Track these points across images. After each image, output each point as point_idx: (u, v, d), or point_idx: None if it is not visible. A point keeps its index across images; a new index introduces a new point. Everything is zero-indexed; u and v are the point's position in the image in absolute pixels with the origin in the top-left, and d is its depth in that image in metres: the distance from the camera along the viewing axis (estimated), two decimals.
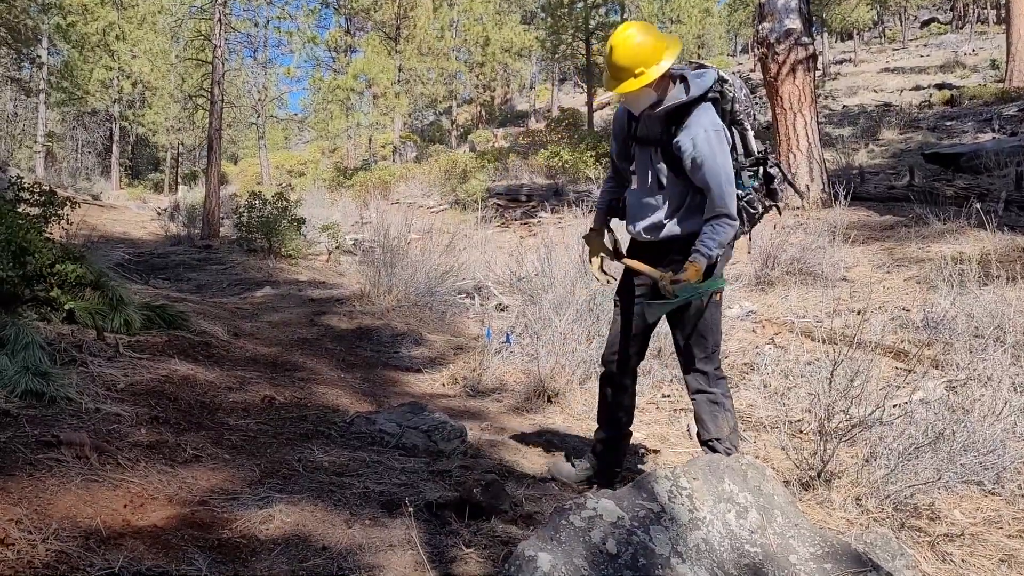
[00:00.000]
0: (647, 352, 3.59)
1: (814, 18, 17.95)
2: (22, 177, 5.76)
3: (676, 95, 3.02)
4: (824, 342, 4.73)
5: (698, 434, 3.29)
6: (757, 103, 28.09)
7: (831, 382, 3.41)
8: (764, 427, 4.20)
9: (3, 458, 2.58)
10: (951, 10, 50.04)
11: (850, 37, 43.93)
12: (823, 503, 3.19)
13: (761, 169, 3.16)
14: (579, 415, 4.74)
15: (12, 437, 2.77)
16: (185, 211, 16.70)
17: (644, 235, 3.22)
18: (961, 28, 45.31)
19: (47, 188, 5.69)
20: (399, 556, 2.41)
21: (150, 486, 2.67)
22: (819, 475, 3.29)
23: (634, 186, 3.26)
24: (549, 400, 4.90)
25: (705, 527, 2.13)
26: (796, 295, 7.28)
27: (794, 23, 11.96)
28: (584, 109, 33.63)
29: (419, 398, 4.78)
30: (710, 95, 3.02)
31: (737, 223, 3.00)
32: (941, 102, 22.83)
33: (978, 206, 8.40)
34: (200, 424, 3.57)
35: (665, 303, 3.03)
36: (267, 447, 3.43)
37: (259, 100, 32.54)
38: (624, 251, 3.40)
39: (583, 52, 32.33)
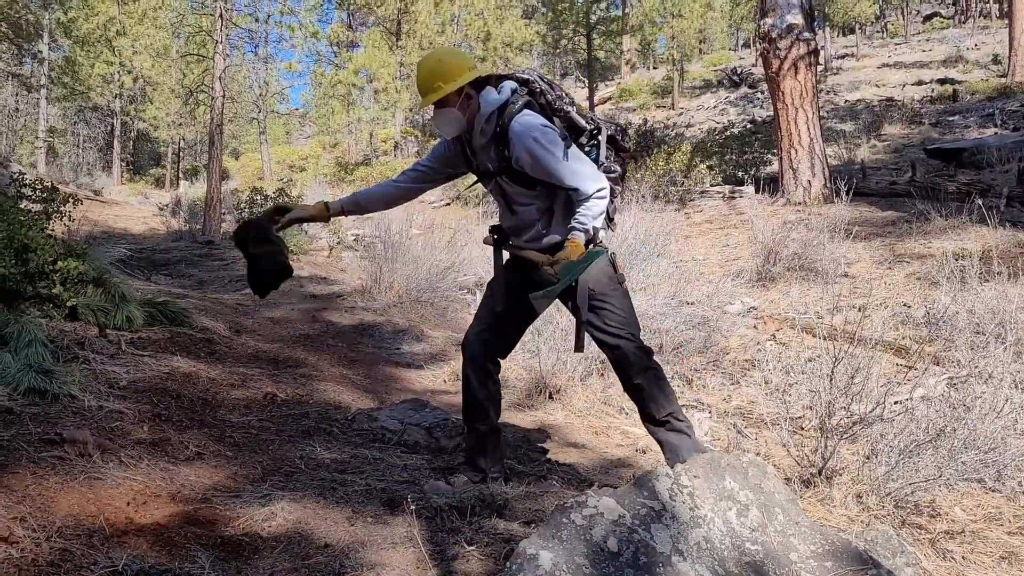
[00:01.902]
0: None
1: (816, 13, 17.91)
2: (24, 173, 5.76)
3: (481, 118, 3.04)
4: (825, 338, 4.74)
5: (649, 415, 3.14)
6: (759, 99, 28.05)
7: (832, 379, 3.42)
8: (765, 424, 4.20)
9: (6, 456, 2.59)
10: (953, 5, 49.90)
11: (852, 32, 43.79)
12: (824, 500, 3.19)
13: (601, 138, 3.17)
14: (580, 411, 4.75)
15: (15, 435, 2.78)
16: (186, 207, 16.72)
17: (528, 244, 3.20)
18: (964, 23, 45.19)
19: (49, 184, 5.70)
20: (401, 553, 2.41)
21: (153, 484, 2.68)
22: (820, 472, 3.30)
23: (503, 210, 3.26)
24: (550, 396, 4.91)
25: (706, 525, 2.13)
26: (797, 291, 7.29)
27: (796, 18, 11.94)
28: (585, 104, 33.59)
29: (420, 394, 4.79)
30: (519, 103, 3.02)
31: (605, 194, 2.97)
32: (943, 97, 22.78)
33: (980, 202, 8.39)
34: (202, 421, 3.58)
35: (550, 290, 2.99)
36: (269, 444, 3.44)
37: (260, 95, 32.56)
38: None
39: (584, 47, 32.30)
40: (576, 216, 2.98)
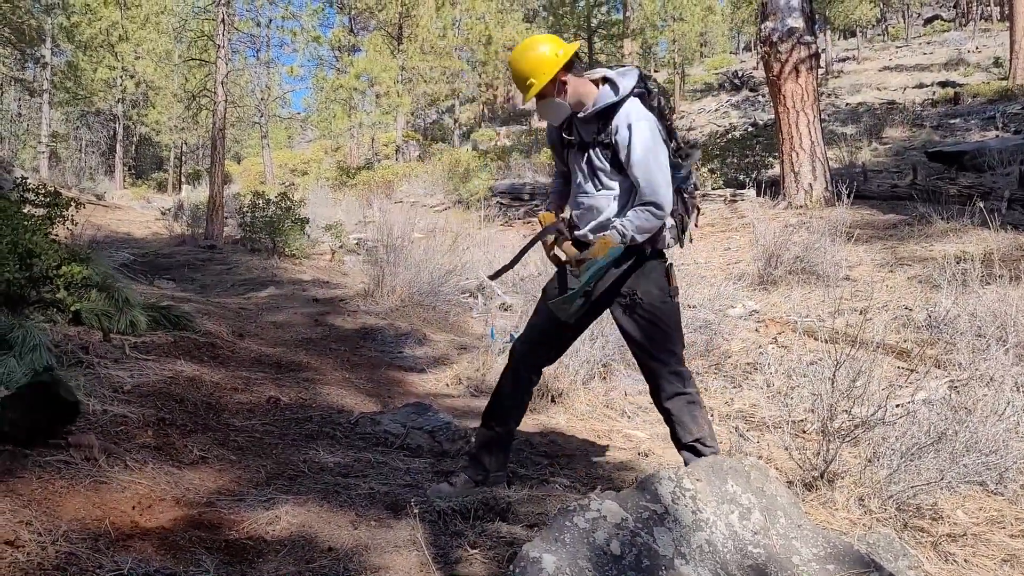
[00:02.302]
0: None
1: (817, 16, 17.94)
2: (27, 178, 5.78)
3: (605, 96, 3.05)
4: (827, 341, 4.74)
5: (676, 438, 3.15)
6: (760, 102, 28.08)
7: (834, 382, 3.42)
8: (767, 427, 4.21)
9: (13, 460, 2.60)
10: (954, 7, 49.92)
11: (853, 35, 43.82)
12: (826, 503, 3.20)
13: (689, 165, 3.19)
14: (582, 415, 4.76)
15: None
16: (189, 211, 16.74)
17: (591, 236, 3.17)
18: (964, 25, 45.18)
19: (52, 189, 5.71)
20: (404, 557, 2.42)
21: (157, 488, 2.69)
22: (822, 475, 3.30)
23: (578, 192, 3.23)
24: (552, 400, 4.91)
25: (708, 528, 2.14)
26: (799, 294, 7.29)
27: (797, 22, 11.96)
28: None
29: (423, 398, 4.80)
30: (636, 91, 3.05)
31: (663, 216, 2.96)
32: (944, 100, 22.79)
33: (981, 205, 8.40)
34: (206, 425, 3.60)
35: (570, 295, 2.97)
36: (273, 448, 3.45)
37: (262, 99, 32.60)
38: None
39: (585, 50, 32.30)
40: (623, 218, 2.97)
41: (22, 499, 2.33)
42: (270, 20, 28.42)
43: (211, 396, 4.05)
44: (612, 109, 3.03)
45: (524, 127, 37.17)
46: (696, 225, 3.27)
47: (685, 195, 3.15)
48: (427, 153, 31.24)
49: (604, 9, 32.37)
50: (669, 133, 3.12)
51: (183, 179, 37.45)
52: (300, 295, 8.63)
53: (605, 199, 3.12)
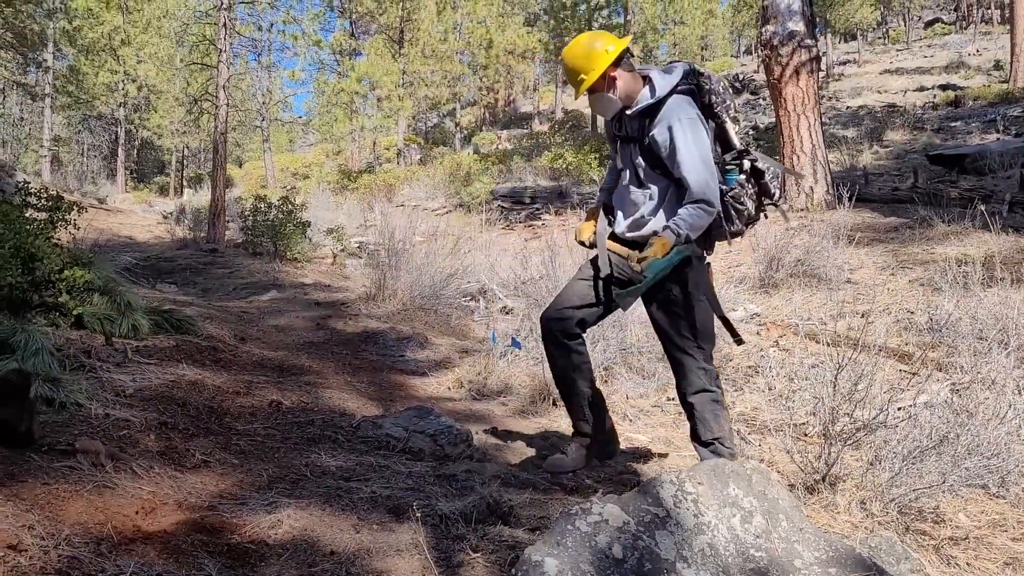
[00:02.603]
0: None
1: (818, 19, 17.95)
2: (29, 182, 5.80)
3: (644, 97, 3.13)
4: (829, 344, 4.74)
5: (696, 434, 3.24)
6: (761, 105, 28.10)
7: (835, 385, 3.42)
8: (769, 430, 4.20)
9: (15, 464, 2.60)
10: (955, 10, 49.97)
11: (854, 38, 43.86)
12: (828, 507, 3.20)
13: (746, 163, 3.18)
14: None
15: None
16: (191, 214, 16.78)
17: (628, 233, 3.28)
18: (965, 28, 45.23)
19: (54, 193, 5.72)
20: (406, 561, 2.43)
21: (160, 492, 2.69)
22: (824, 479, 3.30)
23: (622, 183, 3.33)
24: (554, 403, 4.91)
25: (710, 532, 2.14)
26: (800, 297, 7.29)
27: (797, 25, 11.97)
28: (588, 111, 33.65)
29: (425, 402, 4.80)
30: (682, 88, 3.10)
31: (715, 211, 3.00)
32: (945, 103, 22.80)
33: (982, 208, 8.39)
34: (208, 429, 3.60)
35: (636, 288, 3.06)
36: (275, 452, 3.46)
37: (263, 103, 32.65)
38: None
39: None
40: (676, 217, 3.00)
41: (25, 503, 2.33)
42: (271, 24, 28.46)
43: (213, 400, 4.06)
44: (653, 109, 3.10)
45: (525, 130, 37.23)
46: (736, 234, 3.28)
47: (727, 198, 3.16)
48: (428, 157, 31.28)
49: (605, 13, 32.40)
50: (721, 133, 3.14)
51: (185, 183, 37.52)
52: (302, 299, 8.64)
53: (642, 197, 3.20)
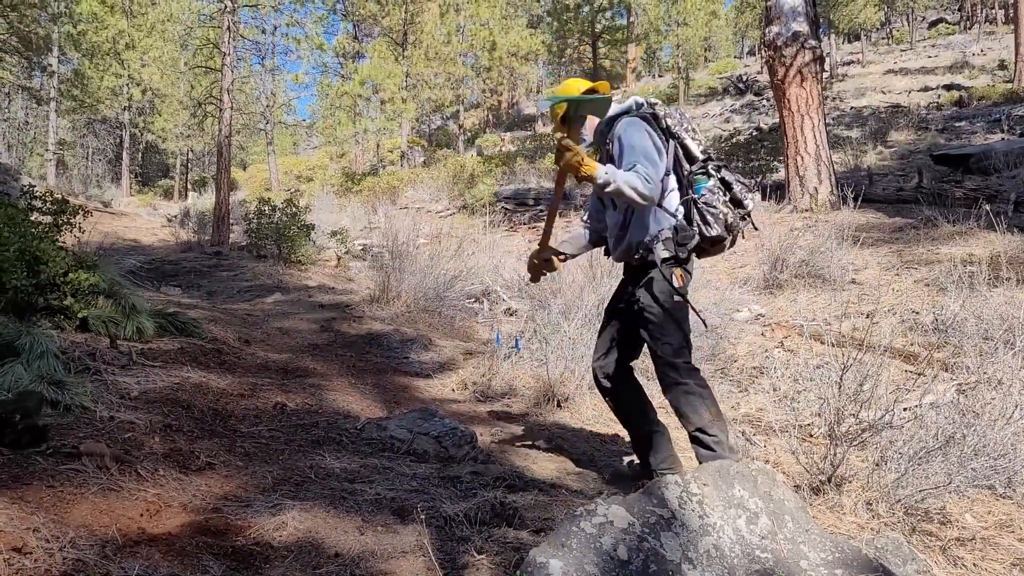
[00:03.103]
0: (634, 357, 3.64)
1: (821, 20, 17.91)
2: (34, 185, 5.81)
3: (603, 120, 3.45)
4: (834, 345, 4.73)
5: (686, 430, 3.33)
6: (764, 106, 28.07)
7: (841, 386, 3.42)
8: (774, 431, 4.20)
9: (21, 467, 2.61)
10: (959, 10, 49.87)
11: (857, 38, 43.79)
12: (834, 508, 3.19)
13: (712, 170, 3.34)
14: (588, 420, 4.75)
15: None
16: (195, 217, 16.80)
17: (619, 259, 3.53)
18: (969, 28, 45.14)
19: (59, 196, 5.74)
20: (411, 562, 2.42)
21: (165, 494, 2.69)
22: (829, 479, 3.29)
23: (607, 219, 3.57)
24: (559, 405, 4.91)
25: (716, 533, 2.14)
26: (805, 298, 7.28)
27: (801, 26, 11.96)
28: None
29: (429, 403, 4.80)
30: (635, 113, 3.36)
31: (647, 187, 3.06)
32: (950, 103, 22.76)
33: (988, 207, 8.37)
34: (213, 431, 3.60)
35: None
36: (279, 454, 3.46)
37: (267, 106, 32.72)
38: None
39: (589, 56, 32.37)
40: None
41: (30, 506, 2.34)
42: (275, 27, 28.57)
43: (218, 402, 4.06)
44: (609, 126, 3.39)
45: (528, 132, 37.24)
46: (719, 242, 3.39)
47: (700, 204, 3.31)
48: (432, 159, 31.30)
49: (608, 15, 32.42)
50: (684, 149, 3.34)
51: (189, 186, 37.59)
52: (306, 301, 8.65)
53: (619, 217, 3.44)
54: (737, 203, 3.34)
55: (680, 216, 3.32)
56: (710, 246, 3.35)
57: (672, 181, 3.34)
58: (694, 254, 3.38)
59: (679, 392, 3.28)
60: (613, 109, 3.40)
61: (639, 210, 3.30)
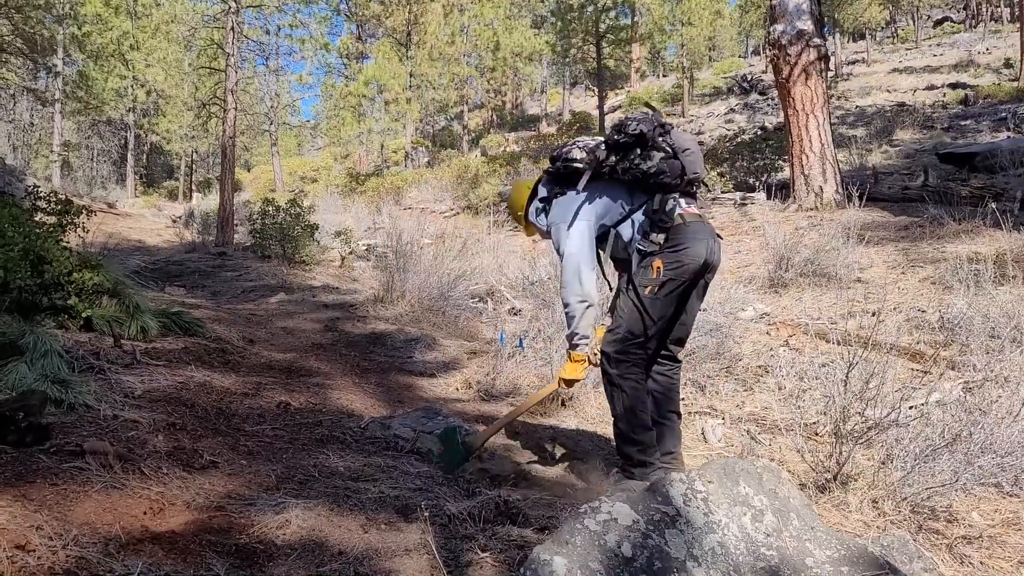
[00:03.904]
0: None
1: (826, 19, 17.89)
2: (39, 186, 5.82)
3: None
4: (839, 344, 4.71)
5: None
6: (769, 105, 28.03)
7: (846, 384, 3.40)
8: (779, 430, 4.18)
9: (24, 465, 2.61)
10: (964, 9, 49.72)
11: (862, 37, 43.70)
12: (839, 506, 3.17)
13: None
14: (593, 419, 4.74)
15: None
16: (199, 218, 16.83)
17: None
18: (975, 27, 44.99)
19: (63, 197, 5.74)
20: (415, 560, 2.41)
21: (168, 492, 2.69)
22: (835, 477, 3.28)
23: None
24: (563, 404, 4.90)
25: (720, 530, 2.12)
26: (810, 297, 7.26)
27: (806, 24, 11.93)
28: (595, 112, 33.63)
29: (433, 403, 4.79)
30: (548, 178, 3.61)
31: (568, 305, 3.36)
32: (955, 102, 22.69)
33: (993, 206, 8.34)
34: (216, 430, 3.60)
35: None
36: (283, 452, 3.45)
37: (272, 107, 32.77)
38: None
39: (594, 56, 32.34)
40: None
41: (33, 503, 2.33)
42: (279, 28, 28.56)
43: (221, 401, 4.06)
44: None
45: (533, 132, 37.23)
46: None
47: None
48: (436, 159, 31.34)
49: (612, 14, 32.34)
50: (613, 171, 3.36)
51: (194, 187, 37.66)
52: (310, 301, 8.65)
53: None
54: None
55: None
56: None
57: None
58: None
59: (605, 382, 3.39)
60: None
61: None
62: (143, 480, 2.73)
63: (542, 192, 3.60)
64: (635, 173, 3.25)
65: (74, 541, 2.19)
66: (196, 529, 2.46)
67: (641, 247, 3.26)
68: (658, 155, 3.24)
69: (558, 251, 3.39)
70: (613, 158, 3.31)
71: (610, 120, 32.62)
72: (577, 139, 3.53)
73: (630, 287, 3.27)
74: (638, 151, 3.26)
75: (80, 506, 2.42)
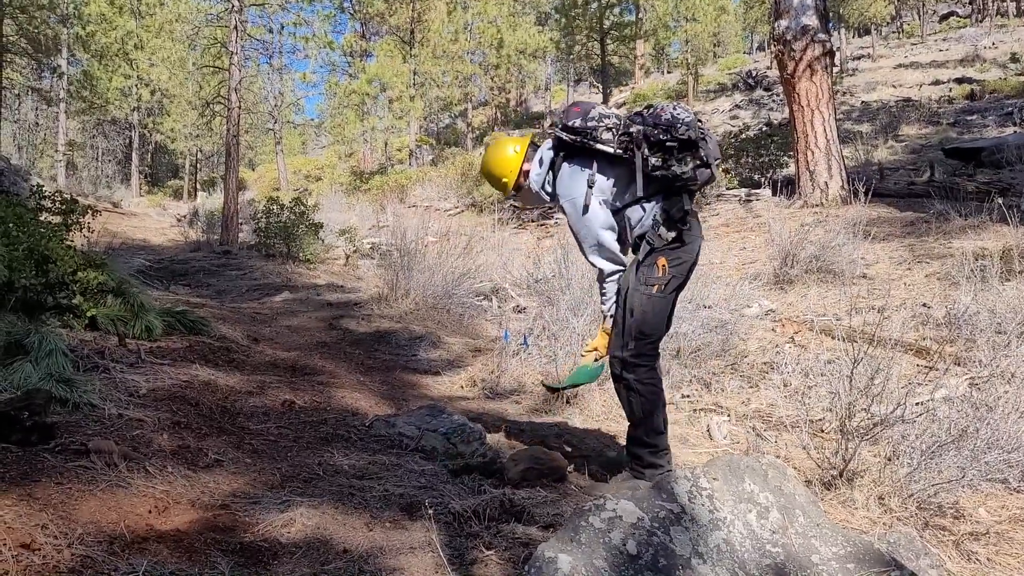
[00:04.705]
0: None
1: (831, 14, 17.82)
2: (43, 186, 5.83)
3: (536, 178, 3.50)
4: (844, 340, 4.69)
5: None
6: (774, 101, 27.96)
7: (852, 380, 3.39)
8: (785, 427, 4.17)
9: (29, 464, 2.61)
10: (970, 4, 49.51)
11: (868, 32, 43.56)
12: (845, 502, 3.16)
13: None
14: (597, 416, 4.73)
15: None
16: (204, 217, 16.86)
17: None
18: (981, 22, 44.80)
19: (68, 196, 5.75)
20: (419, 558, 2.41)
21: (173, 491, 2.69)
22: (841, 474, 3.27)
23: None
24: (568, 401, 4.89)
25: (726, 527, 2.12)
26: (816, 293, 7.24)
27: (810, 20, 11.89)
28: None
29: (438, 400, 4.79)
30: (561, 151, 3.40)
31: (601, 275, 3.37)
32: (961, 97, 22.60)
33: (1000, 201, 8.31)
34: (221, 429, 3.60)
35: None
36: (287, 451, 3.45)
37: (275, 106, 32.77)
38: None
39: (598, 52, 32.30)
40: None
41: (38, 503, 2.34)
42: (282, 26, 28.54)
43: (226, 400, 4.06)
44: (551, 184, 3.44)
45: (537, 130, 37.18)
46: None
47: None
48: (440, 157, 31.32)
49: (617, 11, 32.31)
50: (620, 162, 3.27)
51: (198, 186, 37.74)
52: (314, 299, 8.66)
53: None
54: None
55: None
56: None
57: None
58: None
59: (620, 387, 3.35)
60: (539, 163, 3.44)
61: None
62: (148, 479, 2.73)
63: (548, 156, 3.41)
64: (665, 174, 3.15)
65: (79, 540, 2.19)
66: (201, 528, 2.47)
67: (651, 241, 3.20)
68: (693, 161, 3.16)
69: (572, 226, 3.31)
70: (649, 154, 3.16)
71: None
72: (596, 109, 3.31)
73: (639, 287, 3.22)
74: (680, 155, 3.15)
75: (85, 505, 2.42)
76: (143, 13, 32.17)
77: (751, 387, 5.17)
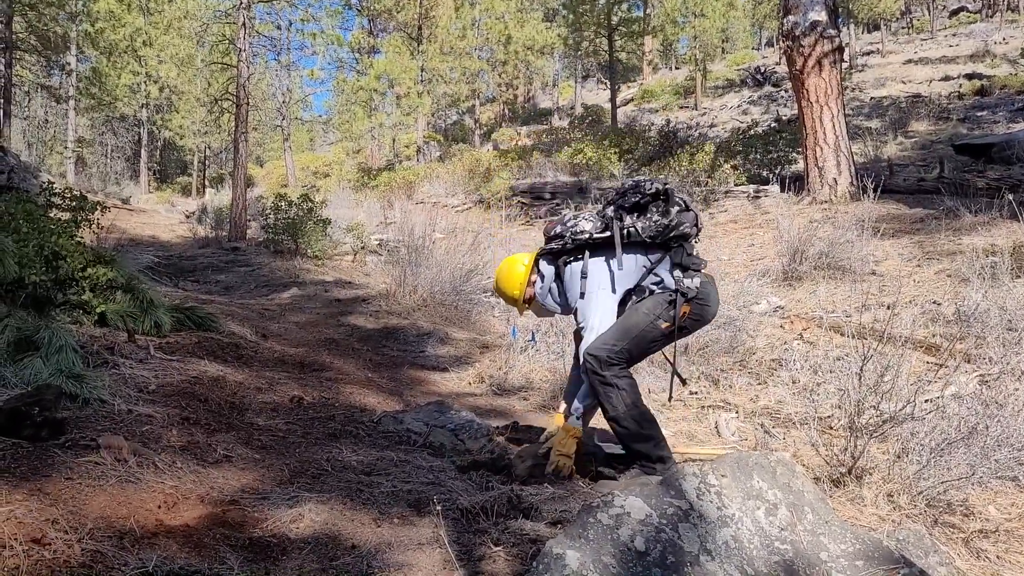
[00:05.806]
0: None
1: (840, 9, 17.73)
2: (53, 183, 5.85)
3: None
4: (853, 337, 4.67)
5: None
6: (783, 97, 27.86)
7: (861, 377, 3.37)
8: (793, 424, 4.16)
9: (39, 460, 2.62)
10: None
11: (877, 28, 43.33)
12: (854, 500, 3.15)
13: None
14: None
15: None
16: (212, 214, 16.89)
17: None
18: (991, 16, 44.49)
19: (78, 193, 5.78)
20: (427, 554, 2.42)
21: (182, 486, 2.70)
22: (850, 471, 3.25)
23: None
24: None
25: (734, 524, 2.11)
26: (824, 290, 7.21)
27: (819, 15, 11.83)
28: (608, 106, 33.51)
29: (445, 397, 4.79)
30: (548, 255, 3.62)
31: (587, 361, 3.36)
32: (971, 92, 22.46)
33: (1010, 197, 8.26)
34: (230, 424, 3.61)
35: None
36: (296, 447, 3.46)
37: (284, 102, 32.84)
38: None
39: (606, 48, 32.18)
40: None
41: (49, 498, 2.35)
42: (290, 23, 28.55)
43: (235, 396, 4.07)
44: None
45: (545, 126, 37.15)
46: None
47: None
48: (448, 154, 31.29)
49: (624, 6, 32.14)
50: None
51: (207, 183, 37.85)
52: (322, 296, 8.67)
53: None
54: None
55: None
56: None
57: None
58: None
59: (596, 382, 3.36)
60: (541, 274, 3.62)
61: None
62: (157, 474, 2.74)
63: (548, 270, 3.60)
64: (656, 228, 3.32)
65: (89, 535, 2.20)
66: (210, 523, 2.47)
67: (680, 288, 3.33)
68: (675, 208, 3.35)
69: (578, 320, 3.47)
70: (629, 219, 3.36)
71: (622, 114, 32.52)
72: (570, 214, 3.65)
73: (651, 313, 3.32)
74: (658, 207, 3.35)
75: (95, 500, 2.43)
76: (152, 10, 32.27)
77: (759, 384, 5.16)
